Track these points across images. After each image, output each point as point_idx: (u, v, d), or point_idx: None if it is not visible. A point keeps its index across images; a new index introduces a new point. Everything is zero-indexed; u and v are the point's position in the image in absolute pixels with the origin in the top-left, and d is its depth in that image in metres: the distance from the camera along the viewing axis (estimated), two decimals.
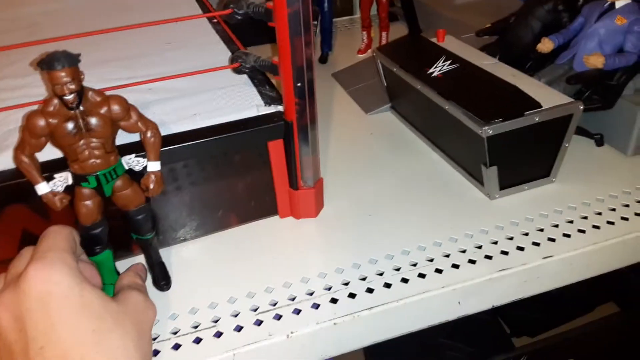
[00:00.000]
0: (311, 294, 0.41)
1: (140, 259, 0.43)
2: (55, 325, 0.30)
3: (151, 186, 0.38)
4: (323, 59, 0.80)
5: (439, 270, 0.42)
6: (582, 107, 0.46)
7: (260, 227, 0.48)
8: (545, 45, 0.55)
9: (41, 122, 0.32)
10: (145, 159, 0.38)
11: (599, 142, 0.55)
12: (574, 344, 0.71)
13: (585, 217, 0.47)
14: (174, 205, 0.44)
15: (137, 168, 0.38)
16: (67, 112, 0.32)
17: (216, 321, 0.39)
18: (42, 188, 0.35)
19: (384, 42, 0.80)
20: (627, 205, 0.48)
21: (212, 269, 0.44)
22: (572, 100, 0.47)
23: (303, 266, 0.43)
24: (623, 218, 0.46)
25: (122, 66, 0.52)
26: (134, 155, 0.38)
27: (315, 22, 0.83)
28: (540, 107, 0.46)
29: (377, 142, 0.60)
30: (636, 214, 0.47)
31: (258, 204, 0.48)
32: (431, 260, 0.43)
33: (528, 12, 0.60)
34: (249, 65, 0.45)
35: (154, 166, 0.37)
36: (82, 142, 0.34)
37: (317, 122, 0.45)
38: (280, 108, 0.45)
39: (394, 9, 0.90)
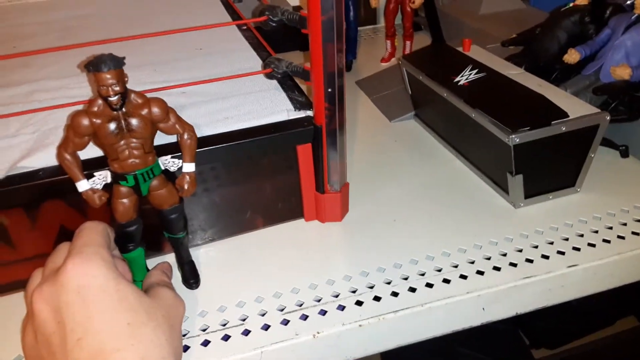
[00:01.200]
0: (337, 295, 0.42)
1: (171, 257, 0.44)
2: (92, 317, 0.31)
3: (186, 186, 0.39)
4: (347, 67, 0.81)
5: (463, 276, 0.43)
6: (608, 118, 0.47)
7: (286, 230, 0.49)
8: (572, 56, 0.55)
9: (85, 122, 0.34)
10: (181, 160, 0.39)
11: (624, 154, 0.55)
12: (594, 356, 0.71)
13: (610, 228, 0.47)
14: (204, 205, 0.45)
15: (173, 169, 0.39)
16: (111, 112, 0.34)
17: (244, 319, 0.40)
18: (83, 185, 0.36)
19: (407, 51, 0.81)
20: None
21: (239, 268, 0.45)
22: (598, 110, 0.47)
23: (328, 269, 0.44)
24: None
25: (157, 70, 0.53)
26: (170, 156, 0.39)
27: None
28: (567, 116, 0.46)
29: (401, 149, 0.61)
30: None
31: (284, 207, 0.49)
32: (456, 266, 0.44)
33: (554, 23, 0.60)
34: (281, 70, 0.46)
35: (189, 167, 0.39)
36: (122, 142, 0.35)
37: (346, 127, 0.45)
38: (309, 113, 0.46)
39: (417, 19, 0.91)
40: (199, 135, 0.42)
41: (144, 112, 0.35)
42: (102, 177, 0.37)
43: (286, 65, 0.46)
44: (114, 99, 0.33)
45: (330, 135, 0.45)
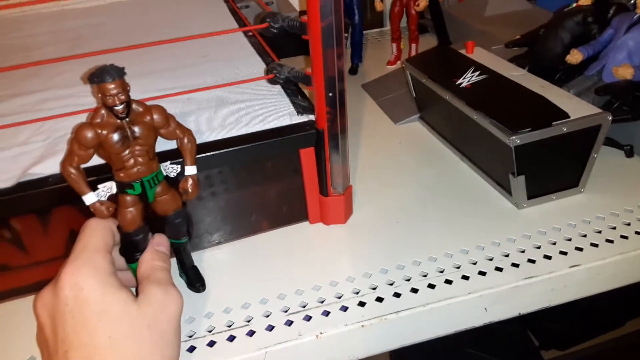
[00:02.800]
0: (340, 297, 0.42)
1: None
2: (77, 330, 0.32)
3: (190, 189, 0.39)
4: (353, 71, 0.82)
5: (465, 277, 0.43)
6: (610, 118, 0.47)
7: (291, 232, 0.50)
8: (575, 56, 0.55)
9: (91, 134, 0.34)
10: (179, 166, 0.40)
11: (629, 154, 0.55)
12: (604, 358, 0.70)
13: (614, 228, 0.47)
14: (209, 210, 0.46)
15: (173, 174, 0.40)
16: (115, 122, 0.35)
17: (249, 321, 0.41)
18: (91, 198, 0.36)
19: (413, 53, 0.82)
20: None
21: (245, 271, 0.45)
22: (600, 111, 0.47)
23: (332, 270, 0.45)
24: None
25: (163, 77, 0.54)
26: (169, 162, 0.40)
27: (346, 35, 0.85)
28: (568, 117, 0.46)
29: (405, 151, 0.61)
30: None
31: (289, 210, 0.50)
32: (458, 267, 0.44)
33: (557, 24, 0.60)
34: (283, 76, 0.47)
35: (191, 170, 0.39)
36: (128, 150, 0.36)
37: (347, 130, 0.46)
38: (312, 117, 0.46)
39: (423, 21, 0.92)
40: (204, 140, 0.44)
41: (147, 119, 0.36)
42: (107, 188, 0.37)
43: (288, 70, 0.47)
44: (120, 107, 0.34)
45: (332, 139, 0.45)
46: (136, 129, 0.35)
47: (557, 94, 0.51)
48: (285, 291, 0.43)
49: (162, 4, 0.80)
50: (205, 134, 0.44)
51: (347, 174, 0.49)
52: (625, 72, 0.50)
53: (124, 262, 0.40)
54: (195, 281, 0.44)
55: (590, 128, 0.47)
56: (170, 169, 0.40)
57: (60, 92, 0.53)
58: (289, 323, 0.40)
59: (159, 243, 0.40)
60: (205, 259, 0.47)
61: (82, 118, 0.45)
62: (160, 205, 0.39)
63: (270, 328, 0.40)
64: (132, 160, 0.36)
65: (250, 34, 0.65)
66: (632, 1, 0.56)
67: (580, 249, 0.45)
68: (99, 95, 0.34)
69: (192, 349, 0.39)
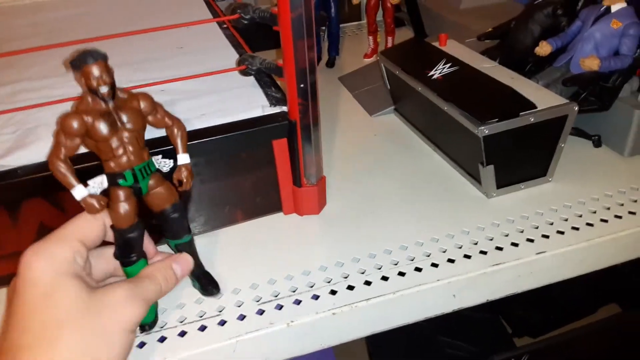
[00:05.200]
0: (312, 286, 0.43)
1: None
2: (25, 315, 0.32)
3: (184, 179, 0.38)
4: (330, 63, 0.82)
5: (435, 265, 0.44)
6: (577, 108, 0.48)
7: (265, 223, 0.50)
8: (543, 48, 0.56)
9: (77, 121, 0.33)
10: (171, 160, 0.39)
11: (597, 143, 0.57)
12: (576, 344, 0.72)
13: (580, 215, 0.48)
14: (182, 201, 0.46)
15: (165, 169, 0.39)
16: (101, 108, 0.33)
17: (220, 310, 0.41)
18: (81, 192, 0.34)
19: (389, 46, 0.82)
20: (622, 204, 0.49)
21: (217, 262, 0.46)
22: (567, 101, 0.48)
23: (305, 260, 0.45)
24: (616, 216, 0.48)
25: (136, 69, 0.54)
26: (160, 156, 0.39)
27: (323, 28, 0.85)
28: (536, 108, 0.47)
29: (380, 143, 0.62)
30: (630, 213, 0.48)
31: (263, 201, 0.50)
32: (428, 255, 0.45)
33: (528, 16, 0.61)
34: (255, 67, 0.47)
35: (184, 159, 0.38)
36: (116, 137, 0.34)
37: (320, 122, 0.47)
38: (284, 108, 0.47)
39: (400, 14, 0.92)
40: None
41: (134, 104, 0.35)
42: (97, 183, 0.35)
43: (260, 62, 0.47)
44: (105, 90, 0.33)
45: (305, 130, 0.46)
46: (123, 115, 0.34)
47: (525, 85, 0.52)
48: (258, 281, 0.43)
49: None
50: None
51: (320, 165, 0.49)
52: (591, 63, 0.51)
53: (119, 266, 0.38)
54: (207, 284, 0.42)
55: (557, 118, 0.48)
56: (162, 163, 0.39)
57: (34, 83, 0.53)
58: (261, 312, 0.41)
59: (177, 261, 0.39)
60: None
61: (54, 109, 0.45)
62: (155, 198, 0.37)
63: (242, 317, 0.40)
64: (121, 149, 0.35)
65: (225, 26, 0.65)
66: None
67: (547, 236, 0.46)
68: (82, 80, 0.33)
69: (162, 339, 0.39)
